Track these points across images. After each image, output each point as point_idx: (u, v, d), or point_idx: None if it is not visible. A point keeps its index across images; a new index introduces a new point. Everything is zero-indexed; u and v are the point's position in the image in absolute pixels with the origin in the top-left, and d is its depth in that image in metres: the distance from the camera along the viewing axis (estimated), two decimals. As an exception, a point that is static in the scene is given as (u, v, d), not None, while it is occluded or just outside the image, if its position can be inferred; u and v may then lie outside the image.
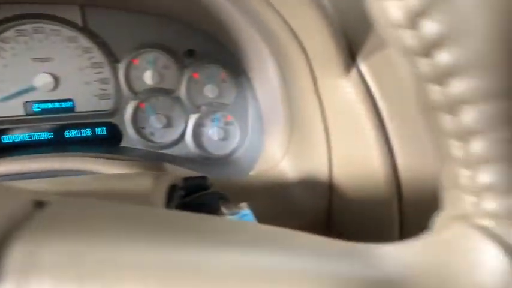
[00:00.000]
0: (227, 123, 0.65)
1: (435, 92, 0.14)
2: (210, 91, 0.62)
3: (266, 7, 0.38)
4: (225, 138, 0.65)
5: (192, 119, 0.63)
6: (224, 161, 0.66)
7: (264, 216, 0.50)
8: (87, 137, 0.62)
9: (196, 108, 0.63)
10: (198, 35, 0.61)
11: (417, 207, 0.44)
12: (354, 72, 0.41)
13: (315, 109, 0.45)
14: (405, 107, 0.41)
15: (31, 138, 0.59)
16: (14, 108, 0.58)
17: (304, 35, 0.39)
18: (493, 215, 0.14)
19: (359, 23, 0.42)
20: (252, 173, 0.55)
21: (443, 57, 0.13)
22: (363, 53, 0.41)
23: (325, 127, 0.45)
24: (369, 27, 0.42)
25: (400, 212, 0.45)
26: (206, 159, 0.65)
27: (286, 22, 0.39)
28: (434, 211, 0.46)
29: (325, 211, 0.50)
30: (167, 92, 0.62)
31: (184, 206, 0.39)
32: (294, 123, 0.51)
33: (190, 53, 0.61)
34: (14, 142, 0.59)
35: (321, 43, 0.39)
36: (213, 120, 0.64)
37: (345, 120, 0.43)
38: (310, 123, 0.47)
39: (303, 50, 0.41)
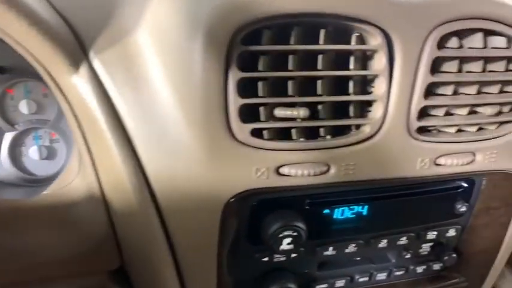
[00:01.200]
0: (52, 141, 0.60)
1: None
2: (25, 107, 0.58)
3: None
4: (49, 157, 0.60)
5: (8, 138, 0.58)
6: (50, 181, 0.60)
7: (46, 243, 0.44)
8: None
9: (12, 126, 0.58)
10: (8, 49, 0.57)
11: (177, 212, 0.39)
12: (85, 68, 0.37)
13: (68, 113, 0.41)
14: (143, 106, 0.37)
15: None
16: None
17: (23, 39, 0.36)
18: None
19: (90, 17, 0.39)
20: (45, 192, 0.50)
21: None
22: (95, 48, 0.38)
23: (82, 133, 0.41)
24: (102, 22, 0.39)
25: (162, 222, 0.40)
26: (28, 181, 0.60)
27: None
28: (198, 218, 0.41)
29: (110, 235, 0.44)
30: (-23, 110, 0.57)
31: None
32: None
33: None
34: None
35: (40, 42, 0.36)
36: (33, 139, 0.60)
37: (89, 122, 0.39)
38: (73, 130, 0.42)
39: (31, 54, 0.37)
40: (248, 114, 0.36)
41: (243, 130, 0.36)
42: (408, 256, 0.50)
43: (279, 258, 0.44)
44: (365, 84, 0.39)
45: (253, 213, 0.41)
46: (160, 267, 0.41)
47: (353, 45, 0.36)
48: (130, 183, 0.38)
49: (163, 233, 0.40)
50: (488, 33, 0.39)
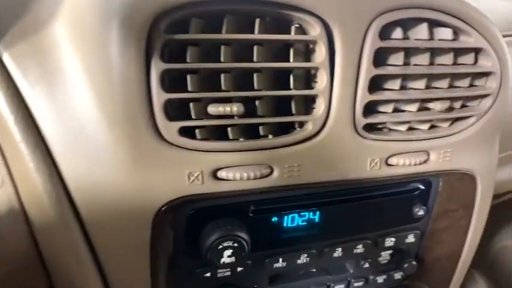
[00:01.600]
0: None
1: None
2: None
3: None
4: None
5: None
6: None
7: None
8: None
9: None
10: None
11: (102, 225, 0.35)
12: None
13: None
14: (59, 104, 0.33)
15: None
16: None
17: None
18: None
19: (1, 9, 0.35)
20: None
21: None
22: (5, 41, 0.34)
23: (-5, 138, 0.36)
24: (15, 14, 0.35)
25: (86, 237, 0.35)
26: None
27: None
28: (126, 230, 0.37)
29: (34, 253, 0.39)
30: None
31: None
32: None
33: None
34: None
35: None
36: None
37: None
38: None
39: None
40: (179, 112, 0.33)
41: (170, 129, 0.32)
42: (367, 265, 0.47)
43: (223, 272, 0.40)
44: (309, 79, 0.37)
45: (189, 224, 0.37)
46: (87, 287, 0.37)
47: (290, 35, 0.34)
48: (46, 193, 0.33)
49: (88, 249, 0.35)
50: (433, 24, 0.37)
